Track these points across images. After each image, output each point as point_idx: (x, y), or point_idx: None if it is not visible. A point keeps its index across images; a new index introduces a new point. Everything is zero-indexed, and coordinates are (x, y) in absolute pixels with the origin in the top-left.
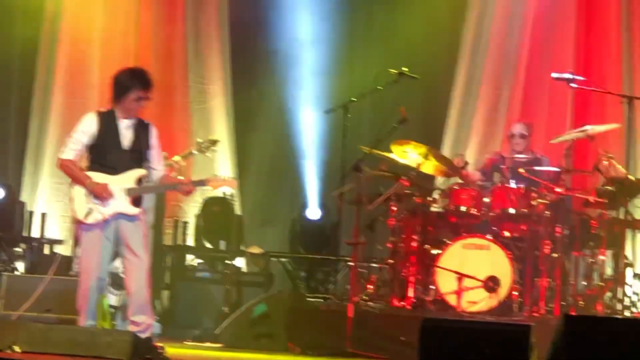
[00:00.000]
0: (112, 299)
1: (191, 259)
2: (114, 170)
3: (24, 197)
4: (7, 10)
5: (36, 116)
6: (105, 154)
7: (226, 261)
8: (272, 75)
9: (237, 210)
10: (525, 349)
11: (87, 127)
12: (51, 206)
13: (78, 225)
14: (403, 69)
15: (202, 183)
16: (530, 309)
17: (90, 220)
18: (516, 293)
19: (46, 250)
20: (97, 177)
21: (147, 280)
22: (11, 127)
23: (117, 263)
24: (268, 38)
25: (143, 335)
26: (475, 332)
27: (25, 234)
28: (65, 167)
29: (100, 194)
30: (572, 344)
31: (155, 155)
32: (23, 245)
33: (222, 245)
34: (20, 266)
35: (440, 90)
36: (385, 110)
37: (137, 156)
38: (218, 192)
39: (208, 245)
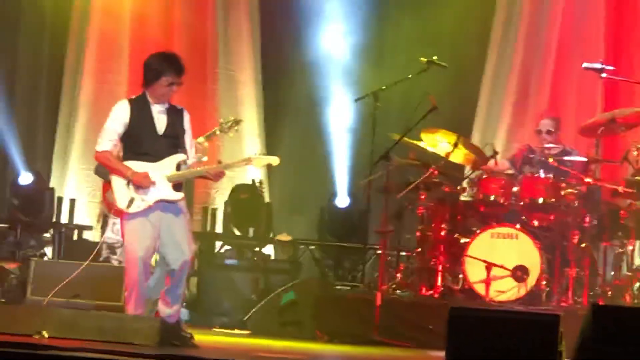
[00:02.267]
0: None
1: (220, 246)
2: (151, 157)
3: (53, 183)
4: (37, 4)
5: (65, 102)
6: (141, 141)
7: (255, 249)
8: (302, 64)
9: (266, 197)
10: (554, 339)
11: (121, 115)
12: (80, 192)
13: (121, 215)
14: (433, 57)
15: (244, 162)
16: (558, 299)
17: (133, 209)
18: (544, 283)
19: (75, 236)
20: (137, 166)
21: (188, 271)
22: (40, 113)
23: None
24: (298, 27)
25: (172, 320)
26: (504, 322)
27: (54, 219)
28: (104, 159)
29: (141, 183)
30: (600, 333)
31: (189, 140)
32: (52, 231)
33: (251, 232)
34: (49, 252)
35: (470, 79)
36: (414, 99)
37: (173, 141)
38: (247, 179)
39: (237, 232)
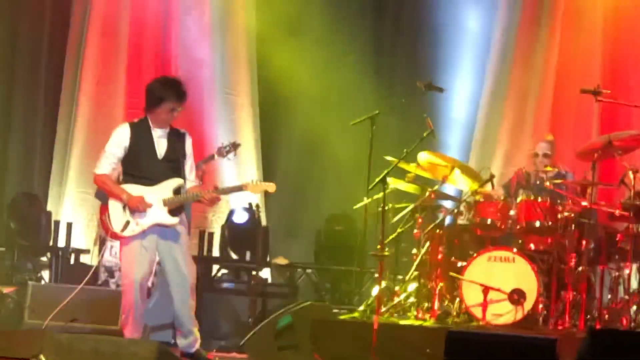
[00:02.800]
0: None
1: (216, 270)
2: (149, 180)
3: (50, 206)
4: (34, 25)
5: (62, 125)
6: (141, 164)
7: (252, 272)
8: (298, 87)
9: (263, 221)
10: None
11: (121, 139)
12: (77, 216)
13: (116, 238)
14: (429, 81)
15: (239, 188)
16: (555, 322)
17: (127, 233)
18: (541, 306)
19: (72, 260)
20: (133, 189)
21: (192, 298)
22: (37, 137)
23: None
24: (295, 49)
25: (192, 350)
26: (501, 345)
27: (51, 243)
28: (101, 182)
29: (136, 207)
30: (597, 357)
31: (189, 164)
32: (49, 255)
33: (248, 256)
34: (46, 275)
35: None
36: (411, 122)
37: (172, 165)
38: (244, 203)
39: (233, 255)
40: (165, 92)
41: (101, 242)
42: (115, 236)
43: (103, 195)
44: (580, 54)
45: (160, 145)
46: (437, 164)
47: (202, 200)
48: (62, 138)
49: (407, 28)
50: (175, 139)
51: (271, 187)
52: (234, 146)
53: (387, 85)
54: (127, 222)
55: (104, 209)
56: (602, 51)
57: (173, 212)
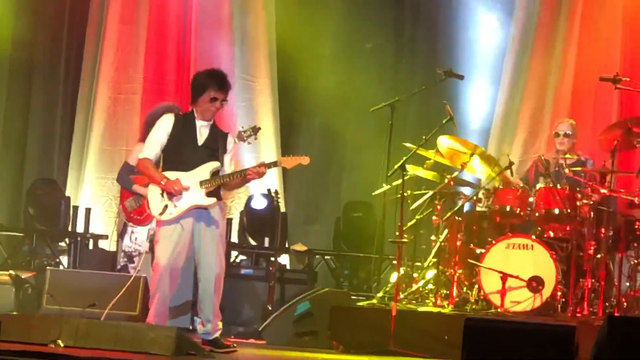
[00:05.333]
0: None
1: (235, 256)
2: (188, 165)
3: (68, 192)
4: (54, 11)
5: (81, 112)
6: (181, 150)
7: (270, 258)
8: (318, 73)
9: (282, 207)
10: (570, 350)
11: (165, 126)
12: (96, 201)
13: (138, 222)
14: (450, 68)
15: (275, 164)
16: (573, 310)
17: (165, 216)
18: (560, 293)
19: (90, 245)
20: (171, 175)
21: (216, 287)
22: (56, 122)
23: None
24: (314, 36)
25: (209, 337)
26: (519, 332)
27: (69, 229)
28: (143, 167)
29: (171, 189)
30: (615, 344)
31: (227, 160)
32: (67, 240)
33: (266, 242)
34: (65, 261)
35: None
36: (431, 109)
37: (211, 152)
38: (263, 189)
39: (252, 242)
40: (207, 81)
41: (122, 228)
42: (135, 221)
43: (124, 180)
44: (599, 41)
45: (202, 134)
46: (457, 149)
47: (249, 175)
48: (81, 124)
49: (427, 14)
50: (218, 132)
51: (305, 160)
52: (254, 130)
53: (406, 72)
54: (166, 206)
55: (125, 194)
56: (621, 39)
57: (210, 194)
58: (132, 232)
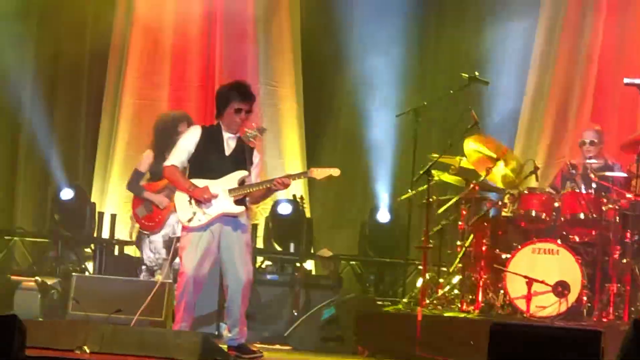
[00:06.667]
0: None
1: (260, 262)
2: (216, 174)
3: (94, 198)
4: (78, 17)
5: (106, 118)
6: (208, 159)
7: (296, 264)
8: (343, 79)
9: (307, 212)
10: (596, 355)
11: (193, 135)
12: (121, 207)
13: (182, 228)
14: (475, 73)
15: (304, 174)
16: (599, 315)
17: (194, 223)
18: (585, 298)
19: (116, 251)
20: (199, 182)
21: (243, 294)
22: (82, 128)
23: None
24: (339, 42)
25: (235, 343)
26: (545, 337)
27: (95, 234)
28: (169, 174)
29: (200, 197)
30: None
31: (255, 175)
32: (93, 246)
33: (292, 248)
34: (90, 267)
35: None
36: (456, 114)
37: (238, 162)
38: (288, 195)
39: (277, 247)
40: (230, 93)
41: (138, 237)
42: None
43: (135, 187)
44: (624, 45)
45: (229, 145)
46: (483, 152)
47: (274, 186)
48: (106, 129)
49: (452, 19)
50: (245, 145)
51: (335, 171)
52: (260, 131)
53: (431, 77)
54: (194, 213)
55: (136, 202)
56: None
57: (238, 202)
58: (149, 241)
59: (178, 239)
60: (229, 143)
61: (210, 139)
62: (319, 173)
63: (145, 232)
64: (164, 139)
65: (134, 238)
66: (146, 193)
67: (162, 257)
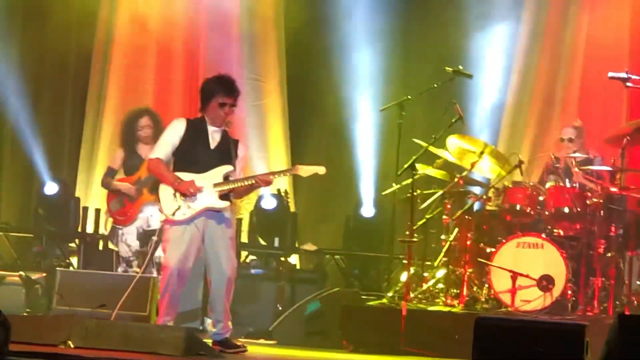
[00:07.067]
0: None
1: (245, 256)
2: (201, 167)
3: (78, 192)
4: (63, 11)
5: (91, 112)
6: (193, 153)
7: (280, 258)
8: (327, 73)
9: (292, 207)
10: (580, 349)
11: (177, 128)
12: (105, 202)
13: (165, 221)
14: (459, 67)
15: (290, 171)
16: (584, 309)
17: (178, 217)
18: (570, 292)
19: (100, 246)
20: (184, 176)
21: (227, 288)
22: (66, 122)
23: None
24: (324, 36)
25: (219, 338)
26: (530, 331)
27: (79, 229)
28: (154, 167)
29: (186, 191)
30: (626, 343)
31: (239, 167)
32: (77, 241)
33: (276, 242)
34: (75, 262)
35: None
36: (440, 108)
37: (223, 155)
38: (273, 189)
39: (262, 242)
40: (215, 87)
41: (111, 232)
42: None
43: (106, 183)
44: (608, 39)
45: (214, 138)
46: (466, 149)
47: (256, 183)
48: (91, 124)
49: (436, 14)
50: (229, 139)
51: (321, 169)
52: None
53: (415, 71)
54: (179, 207)
55: (110, 196)
56: (630, 36)
57: (222, 197)
58: (121, 234)
59: (154, 232)
60: (214, 136)
61: (195, 132)
62: (305, 171)
63: (119, 226)
64: (129, 135)
65: (107, 232)
66: (114, 183)
67: (136, 249)
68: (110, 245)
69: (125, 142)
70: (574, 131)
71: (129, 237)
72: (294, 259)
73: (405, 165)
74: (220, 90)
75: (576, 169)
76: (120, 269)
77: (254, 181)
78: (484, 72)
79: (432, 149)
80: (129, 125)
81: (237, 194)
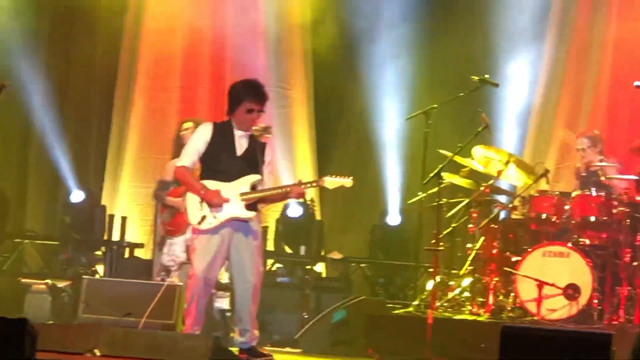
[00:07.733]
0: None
1: (271, 264)
2: (227, 176)
3: (104, 200)
4: (90, 21)
5: (116, 120)
6: (220, 160)
7: (306, 267)
8: (354, 82)
9: (318, 215)
10: (606, 358)
11: (204, 134)
12: (131, 210)
13: (192, 230)
14: (485, 75)
15: (316, 183)
16: (610, 317)
17: (204, 226)
18: (596, 301)
19: (126, 254)
20: (211, 184)
21: (253, 296)
22: (92, 131)
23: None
24: (350, 46)
25: (246, 346)
26: (556, 340)
27: (105, 237)
28: (181, 175)
29: (212, 201)
30: None
31: (266, 172)
32: (103, 249)
33: (302, 250)
34: (101, 270)
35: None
36: (466, 117)
37: (250, 163)
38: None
39: (288, 250)
40: (243, 92)
41: (161, 242)
42: (170, 232)
43: (158, 196)
44: (636, 48)
45: (240, 145)
46: (491, 158)
47: (289, 195)
48: (117, 133)
49: (461, 22)
50: (256, 143)
51: (348, 182)
52: (265, 129)
53: (440, 79)
54: (204, 216)
55: (162, 209)
56: None
57: (249, 207)
58: (170, 244)
59: None
60: (241, 142)
61: (222, 136)
62: (331, 183)
63: (169, 236)
64: (180, 146)
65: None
66: (168, 199)
67: (181, 260)
68: (141, 253)
69: (177, 153)
70: (588, 141)
71: (177, 247)
72: (319, 267)
73: (432, 174)
74: (249, 95)
75: (602, 178)
76: (159, 278)
77: (282, 191)
78: (510, 82)
79: (458, 158)
80: (180, 137)
81: (265, 202)
